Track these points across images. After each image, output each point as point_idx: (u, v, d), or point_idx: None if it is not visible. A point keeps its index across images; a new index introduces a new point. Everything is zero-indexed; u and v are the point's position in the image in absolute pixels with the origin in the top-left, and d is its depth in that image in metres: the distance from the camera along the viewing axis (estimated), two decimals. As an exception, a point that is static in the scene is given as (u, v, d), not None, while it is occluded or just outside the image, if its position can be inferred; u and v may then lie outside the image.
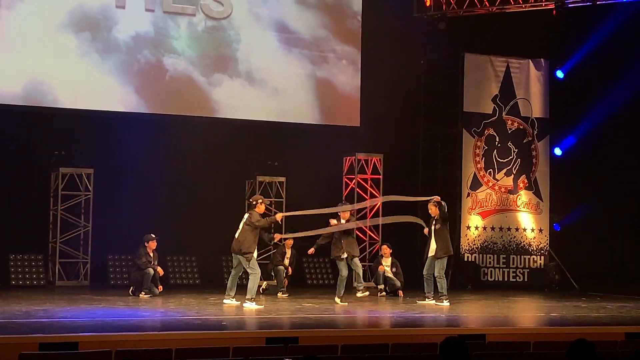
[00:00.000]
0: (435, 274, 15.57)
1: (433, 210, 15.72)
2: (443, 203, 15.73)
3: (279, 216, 15.35)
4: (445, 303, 15.34)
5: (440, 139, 20.29)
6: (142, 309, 13.95)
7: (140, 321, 12.69)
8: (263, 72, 18.75)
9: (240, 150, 18.82)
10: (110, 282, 17.74)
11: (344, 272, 15.42)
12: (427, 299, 15.70)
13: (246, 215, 14.82)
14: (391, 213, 17.38)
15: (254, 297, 14.45)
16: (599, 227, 20.09)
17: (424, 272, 15.77)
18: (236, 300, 14.72)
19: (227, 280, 15.23)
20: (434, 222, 15.66)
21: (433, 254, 15.63)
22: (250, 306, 14.30)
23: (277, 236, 15.75)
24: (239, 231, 14.70)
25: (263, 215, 14.91)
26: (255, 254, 14.72)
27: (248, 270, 14.65)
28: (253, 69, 18.69)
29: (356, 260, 15.62)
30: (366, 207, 18.35)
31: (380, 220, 18.17)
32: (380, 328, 12.98)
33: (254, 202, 14.81)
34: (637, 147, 19.82)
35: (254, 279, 14.54)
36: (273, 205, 18.92)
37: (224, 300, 14.83)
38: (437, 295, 15.53)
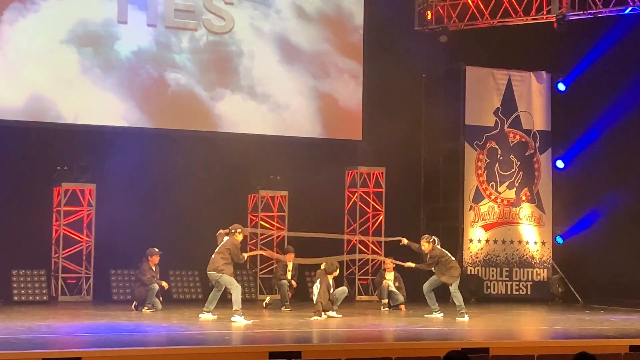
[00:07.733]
0: (452, 290, 15.56)
1: (425, 246, 15.68)
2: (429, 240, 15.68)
3: (244, 257, 15.34)
4: (466, 318, 15.28)
5: (442, 151, 20.28)
6: (145, 324, 13.92)
7: (144, 336, 12.67)
8: (265, 86, 18.78)
9: (242, 165, 18.80)
10: (112, 297, 17.71)
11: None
12: (434, 312, 15.64)
13: (226, 238, 14.87)
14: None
15: (240, 308, 14.37)
16: (602, 239, 20.04)
17: (424, 288, 15.73)
18: (213, 314, 14.67)
19: (227, 296, 15.15)
20: (429, 258, 15.70)
21: (438, 277, 15.64)
22: (238, 320, 14.19)
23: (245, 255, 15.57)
24: (215, 252, 14.78)
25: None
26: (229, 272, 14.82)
27: (228, 287, 14.75)
28: (255, 83, 18.71)
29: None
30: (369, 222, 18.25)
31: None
32: (384, 342, 12.95)
33: (232, 231, 14.86)
34: (639, 158, 19.79)
35: (236, 292, 14.55)
36: (275, 219, 18.93)
37: (200, 315, 14.72)
38: (456, 311, 15.49)
